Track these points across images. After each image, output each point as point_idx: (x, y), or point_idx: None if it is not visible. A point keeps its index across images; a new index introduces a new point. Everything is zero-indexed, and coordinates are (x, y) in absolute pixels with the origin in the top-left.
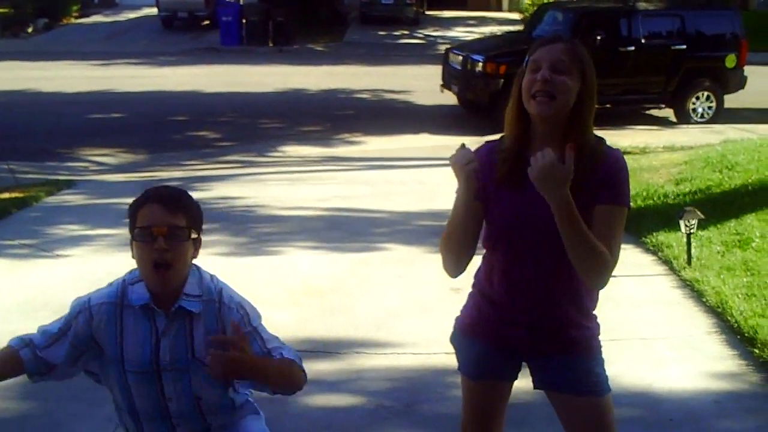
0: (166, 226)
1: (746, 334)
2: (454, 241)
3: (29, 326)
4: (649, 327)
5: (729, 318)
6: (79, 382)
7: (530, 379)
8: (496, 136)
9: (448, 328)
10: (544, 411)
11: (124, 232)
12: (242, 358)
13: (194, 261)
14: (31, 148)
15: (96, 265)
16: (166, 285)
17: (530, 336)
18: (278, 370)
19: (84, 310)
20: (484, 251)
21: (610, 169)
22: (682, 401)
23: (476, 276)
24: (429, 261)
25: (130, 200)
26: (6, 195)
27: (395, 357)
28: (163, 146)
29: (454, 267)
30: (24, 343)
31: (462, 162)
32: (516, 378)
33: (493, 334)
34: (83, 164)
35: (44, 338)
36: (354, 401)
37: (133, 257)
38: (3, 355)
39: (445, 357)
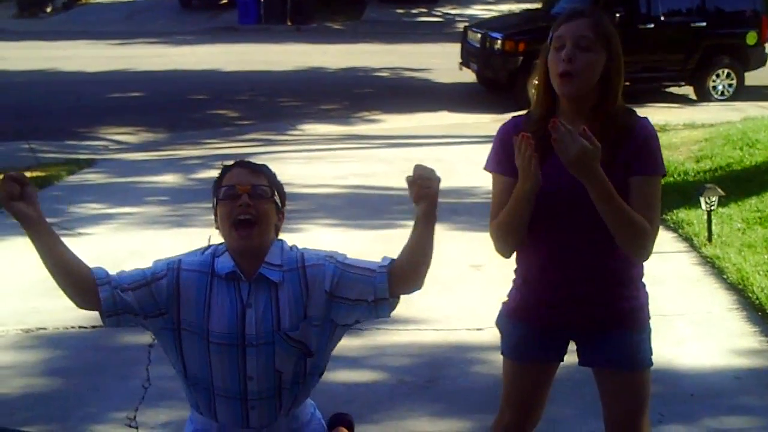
0: (250, 184)
1: None
2: (513, 228)
3: (50, 304)
4: (670, 304)
5: (750, 295)
6: (101, 357)
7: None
8: (521, 113)
9: (469, 304)
10: (566, 386)
11: (145, 210)
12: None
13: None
14: (51, 128)
15: (117, 243)
16: (249, 242)
17: (576, 312)
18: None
19: (172, 271)
20: None
21: (640, 139)
22: (703, 377)
23: (518, 260)
24: (449, 238)
25: (150, 178)
26: (27, 174)
27: (416, 333)
28: (183, 125)
29: (513, 248)
30: (103, 279)
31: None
32: (562, 358)
33: (536, 316)
34: (103, 143)
35: (127, 280)
36: (376, 377)
37: (217, 227)
38: (82, 274)
39: (466, 333)
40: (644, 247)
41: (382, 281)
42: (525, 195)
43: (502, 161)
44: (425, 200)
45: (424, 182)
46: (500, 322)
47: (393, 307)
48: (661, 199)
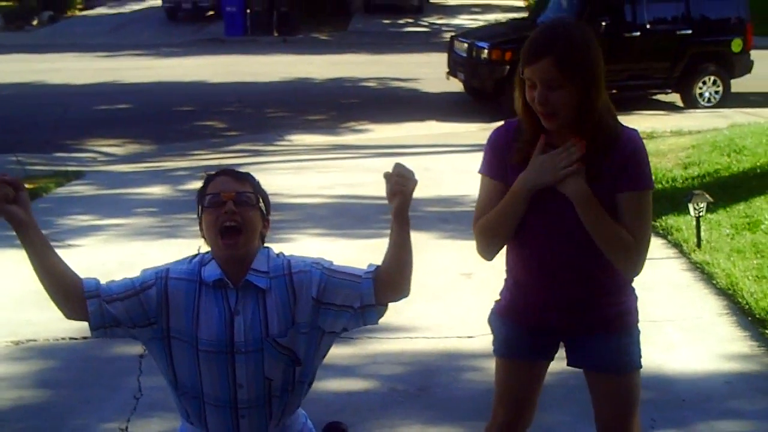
0: (235, 191)
1: (757, 316)
2: (499, 233)
3: (41, 315)
4: (659, 309)
5: (740, 300)
6: (93, 369)
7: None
8: (513, 119)
9: (459, 312)
10: (559, 392)
11: (134, 221)
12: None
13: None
14: (38, 140)
15: (107, 254)
16: (235, 250)
17: (565, 315)
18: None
19: (160, 279)
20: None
21: (627, 153)
22: (694, 383)
23: (507, 262)
24: (438, 246)
25: (138, 190)
26: None
27: (408, 341)
28: (170, 136)
29: (494, 252)
30: (92, 292)
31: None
32: (552, 357)
33: (525, 316)
34: (91, 155)
35: (116, 290)
36: (367, 385)
37: (203, 236)
38: (73, 288)
39: (457, 341)
40: (634, 264)
41: (368, 287)
42: (524, 193)
43: (492, 165)
44: (398, 198)
45: (400, 179)
46: (492, 320)
47: (381, 314)
48: (651, 212)
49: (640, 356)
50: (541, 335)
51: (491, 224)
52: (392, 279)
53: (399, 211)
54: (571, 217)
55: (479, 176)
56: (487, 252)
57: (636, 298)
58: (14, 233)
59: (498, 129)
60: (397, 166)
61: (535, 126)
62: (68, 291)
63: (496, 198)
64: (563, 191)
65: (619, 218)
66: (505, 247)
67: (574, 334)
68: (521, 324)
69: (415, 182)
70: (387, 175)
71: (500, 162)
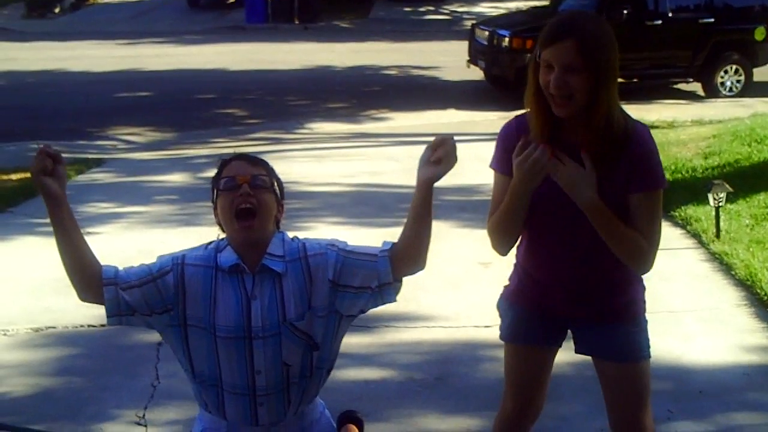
0: (250, 174)
1: None
2: (507, 230)
3: (61, 303)
4: (678, 300)
5: (758, 291)
6: (111, 356)
7: (563, 352)
8: (523, 111)
9: (477, 301)
10: (575, 383)
11: (153, 209)
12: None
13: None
14: (59, 128)
15: (126, 242)
16: (251, 232)
17: (573, 305)
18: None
19: (177, 266)
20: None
21: (639, 154)
22: (712, 374)
23: (517, 252)
24: (457, 236)
25: (159, 177)
26: None
27: (425, 330)
28: (191, 124)
29: (507, 247)
30: (110, 280)
31: (536, 168)
32: (559, 345)
33: (533, 301)
34: (112, 143)
35: (134, 277)
36: (385, 374)
37: (218, 221)
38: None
39: (475, 330)
40: (645, 263)
41: (384, 265)
42: (520, 192)
43: (502, 160)
44: (441, 166)
45: (450, 150)
46: (500, 305)
47: (398, 291)
48: (661, 208)
49: (649, 346)
50: (547, 320)
51: (499, 223)
52: (411, 251)
53: (433, 180)
54: (582, 216)
55: (494, 174)
56: (500, 248)
57: (644, 288)
58: (36, 220)
59: (509, 123)
60: (451, 139)
61: (544, 116)
62: (87, 274)
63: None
64: (575, 200)
65: (631, 217)
66: None
67: (580, 322)
68: (529, 307)
69: (456, 161)
70: (442, 140)
71: (510, 156)
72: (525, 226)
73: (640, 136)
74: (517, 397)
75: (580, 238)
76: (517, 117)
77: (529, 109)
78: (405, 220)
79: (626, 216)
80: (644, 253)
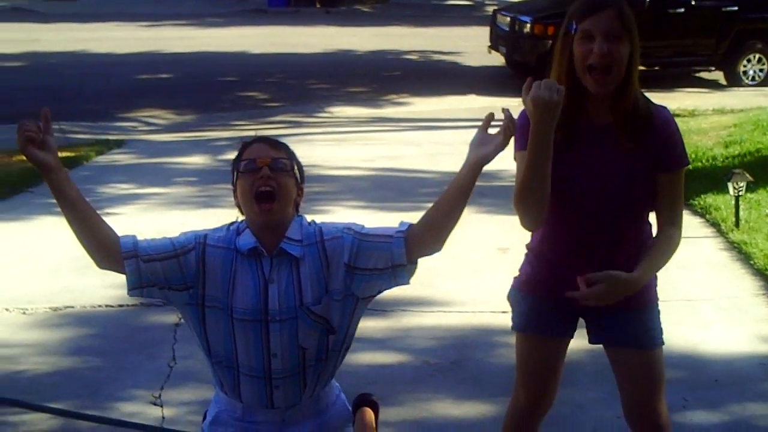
0: (270, 157)
1: None
2: (534, 188)
3: (79, 282)
4: (696, 289)
5: None
6: (128, 336)
7: (579, 339)
8: None
9: (495, 287)
10: (590, 370)
11: (173, 190)
12: None
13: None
14: (81, 109)
15: (145, 223)
16: (270, 215)
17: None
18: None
19: (198, 246)
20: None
21: (665, 135)
22: (728, 363)
23: (533, 238)
24: (476, 221)
25: (179, 159)
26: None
27: (442, 315)
28: (212, 106)
29: (536, 219)
30: (129, 252)
31: (549, 94)
32: (572, 335)
33: (547, 290)
34: (132, 124)
35: (155, 250)
36: (400, 358)
37: (237, 204)
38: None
39: (491, 316)
40: (678, 246)
41: (399, 246)
42: (541, 134)
43: (524, 138)
44: (500, 144)
45: (513, 126)
46: (511, 295)
47: (412, 273)
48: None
49: (661, 332)
50: (559, 310)
51: (524, 185)
52: (434, 230)
53: (486, 160)
54: (602, 202)
55: (515, 153)
56: (528, 219)
57: (656, 275)
58: (52, 199)
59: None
60: (508, 112)
61: (571, 96)
62: (104, 246)
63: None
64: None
65: (659, 198)
66: None
67: (595, 310)
68: (541, 297)
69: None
70: (509, 115)
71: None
72: (549, 211)
73: (662, 117)
74: (529, 388)
75: (603, 222)
76: None
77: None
78: (424, 204)
79: (653, 197)
80: (677, 243)
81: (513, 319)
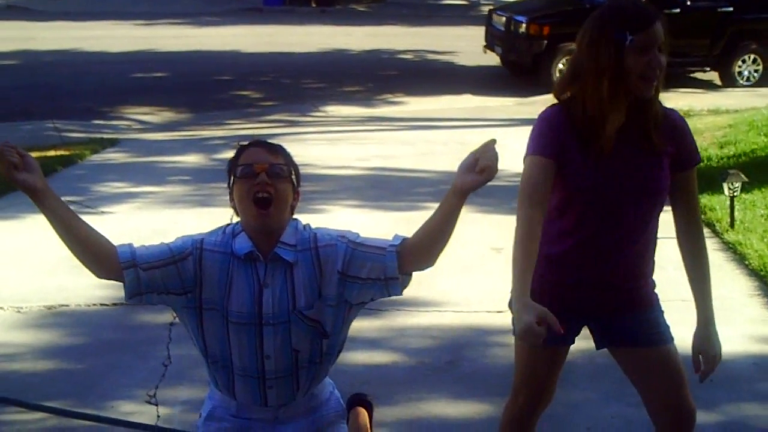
0: (268, 163)
1: None
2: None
3: (74, 281)
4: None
5: None
6: (123, 335)
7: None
8: (540, 97)
9: (489, 287)
10: (585, 370)
11: (167, 189)
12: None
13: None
14: (76, 107)
15: (140, 221)
16: (267, 221)
17: (597, 295)
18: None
19: (195, 251)
20: (551, 215)
21: (681, 134)
22: (722, 363)
23: (542, 242)
24: (470, 221)
25: (173, 158)
26: (52, 153)
27: (436, 315)
28: (206, 105)
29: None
30: (128, 262)
31: (535, 341)
32: (573, 342)
33: (553, 299)
34: (127, 123)
35: (153, 257)
36: (395, 358)
37: (233, 206)
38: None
39: (486, 315)
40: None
41: (392, 260)
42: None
43: (548, 145)
44: (483, 175)
45: (494, 158)
46: (512, 303)
47: (404, 286)
48: None
49: (669, 329)
50: (565, 320)
51: (514, 253)
52: (426, 249)
53: (471, 189)
54: (615, 210)
55: (526, 157)
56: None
57: (653, 279)
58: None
59: (553, 108)
60: (494, 148)
61: (623, 103)
62: (100, 258)
63: (551, 177)
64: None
65: (679, 195)
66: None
67: (600, 315)
68: (546, 306)
69: (496, 172)
70: (488, 147)
71: (554, 140)
72: (563, 216)
73: (674, 117)
74: (528, 392)
75: (622, 227)
76: (554, 106)
77: (603, 100)
78: (419, 204)
79: (670, 191)
80: (704, 237)
81: (514, 326)
